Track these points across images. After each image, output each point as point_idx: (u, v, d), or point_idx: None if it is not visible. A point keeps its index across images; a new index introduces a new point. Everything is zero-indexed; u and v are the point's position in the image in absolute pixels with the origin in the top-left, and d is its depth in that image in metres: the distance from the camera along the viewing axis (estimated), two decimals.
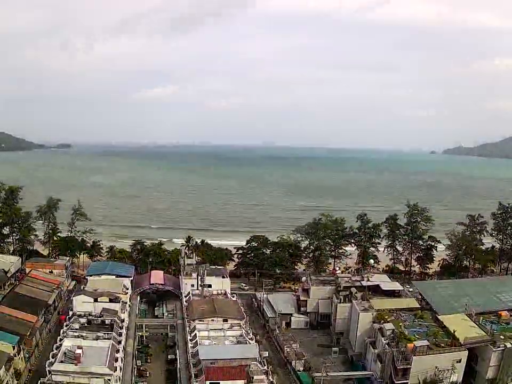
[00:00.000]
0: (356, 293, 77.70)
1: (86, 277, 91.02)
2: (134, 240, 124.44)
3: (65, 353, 57.42)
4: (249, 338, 67.17)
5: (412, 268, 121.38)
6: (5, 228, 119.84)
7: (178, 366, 63.09)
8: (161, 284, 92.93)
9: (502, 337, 61.46)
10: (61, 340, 62.46)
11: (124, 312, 75.25)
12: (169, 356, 71.47)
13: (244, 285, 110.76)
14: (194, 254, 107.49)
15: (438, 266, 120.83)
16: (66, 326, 68.10)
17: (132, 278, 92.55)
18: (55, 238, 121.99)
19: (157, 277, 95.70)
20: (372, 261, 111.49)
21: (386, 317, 68.63)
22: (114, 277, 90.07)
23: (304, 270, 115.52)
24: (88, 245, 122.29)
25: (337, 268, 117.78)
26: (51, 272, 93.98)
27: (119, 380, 57.08)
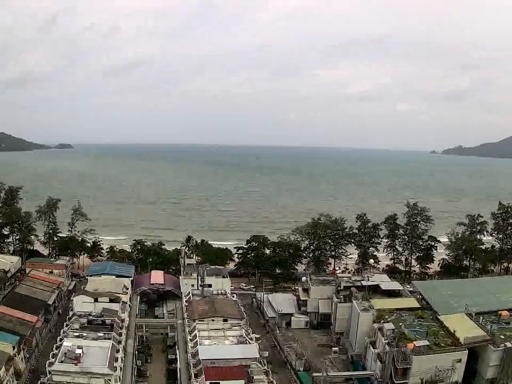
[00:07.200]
0: (356, 292, 77.65)
1: (86, 277, 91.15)
2: (134, 240, 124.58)
3: (65, 353, 57.18)
4: (249, 338, 67.15)
5: (411, 268, 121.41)
6: (5, 228, 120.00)
7: (179, 366, 62.87)
8: (161, 284, 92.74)
9: (502, 337, 61.33)
10: (61, 339, 62.42)
11: (124, 312, 75.07)
12: (169, 355, 71.20)
13: (244, 285, 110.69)
14: (194, 254, 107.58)
15: (438, 266, 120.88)
16: (66, 326, 68.08)
17: (132, 278, 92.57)
18: (55, 238, 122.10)
19: (157, 277, 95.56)
20: (371, 261, 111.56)
21: (386, 316, 68.55)
22: (114, 277, 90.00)
23: (304, 270, 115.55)
24: (88, 245, 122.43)
25: (337, 268, 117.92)
26: (51, 272, 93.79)
27: (119, 380, 56.86)
